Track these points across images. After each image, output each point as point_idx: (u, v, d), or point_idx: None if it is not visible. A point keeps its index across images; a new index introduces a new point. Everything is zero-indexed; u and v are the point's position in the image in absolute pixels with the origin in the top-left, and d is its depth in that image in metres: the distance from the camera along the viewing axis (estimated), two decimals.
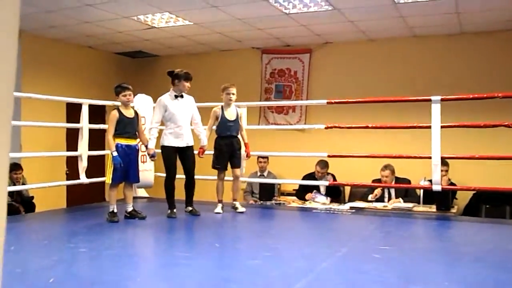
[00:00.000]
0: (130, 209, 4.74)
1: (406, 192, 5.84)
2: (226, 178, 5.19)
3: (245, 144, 5.27)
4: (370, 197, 5.80)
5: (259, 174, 7.01)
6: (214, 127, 5.10)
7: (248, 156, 5.31)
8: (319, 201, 5.89)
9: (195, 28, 7.04)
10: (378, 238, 4.04)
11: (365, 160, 6.40)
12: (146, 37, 7.63)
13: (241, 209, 5.14)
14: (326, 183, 5.93)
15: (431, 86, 6.75)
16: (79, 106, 5.50)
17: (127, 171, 4.62)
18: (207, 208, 5.13)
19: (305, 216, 5.31)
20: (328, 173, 6.39)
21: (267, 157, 6.91)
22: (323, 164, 6.29)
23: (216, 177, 5.19)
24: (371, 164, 6.34)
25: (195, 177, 5.01)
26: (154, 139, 4.82)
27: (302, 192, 6.32)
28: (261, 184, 6.70)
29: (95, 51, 8.45)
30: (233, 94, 5.06)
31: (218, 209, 5.06)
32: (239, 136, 5.20)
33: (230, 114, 5.09)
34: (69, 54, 7.97)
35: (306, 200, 6.07)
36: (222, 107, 5.11)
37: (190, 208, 4.96)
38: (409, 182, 5.93)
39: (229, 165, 5.13)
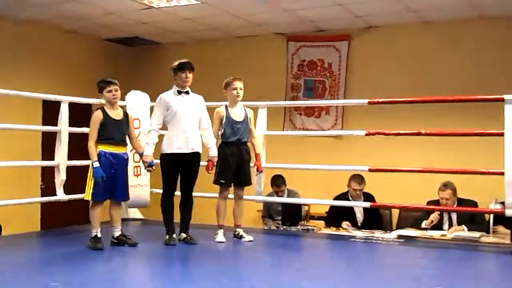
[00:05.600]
0: (117, 233, 4.74)
1: (472, 217, 5.70)
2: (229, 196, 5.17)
3: (256, 155, 5.25)
4: (424, 224, 5.70)
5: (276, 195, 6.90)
6: (220, 132, 5.09)
7: (258, 170, 5.28)
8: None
9: (203, 9, 7.06)
10: (433, 277, 3.93)
11: (416, 176, 6.30)
12: (144, 20, 7.69)
13: (248, 237, 5.09)
14: (366, 204, 5.83)
15: (509, 83, 6.62)
16: (58, 105, 5.54)
17: (113, 186, 4.61)
18: (203, 234, 5.09)
19: (340, 246, 5.23)
20: (363, 193, 6.29)
21: (283, 182, 6.76)
22: (360, 178, 6.19)
23: (216, 195, 5.15)
24: (424, 181, 6.23)
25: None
26: (153, 145, 4.83)
27: (333, 218, 6.23)
28: (283, 206, 6.62)
29: (79, 37, 8.54)
30: (240, 89, 5.05)
31: (220, 236, 5.02)
32: (249, 143, 5.18)
33: (236, 114, 5.08)
34: (46, 40, 8.07)
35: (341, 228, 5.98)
36: (226, 107, 5.11)
37: (184, 235, 4.93)
38: (475, 205, 5.80)
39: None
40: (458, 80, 7.12)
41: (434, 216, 5.67)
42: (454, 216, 5.77)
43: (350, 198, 6.23)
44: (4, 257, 4.44)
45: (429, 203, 5.88)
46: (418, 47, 7.52)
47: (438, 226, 5.71)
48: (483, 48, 7.19)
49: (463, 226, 5.59)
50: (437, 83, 7.18)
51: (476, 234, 5.32)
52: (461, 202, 5.82)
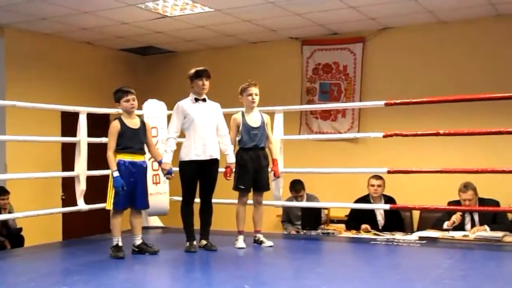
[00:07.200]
0: (138, 242, 4.75)
1: (494, 217, 5.63)
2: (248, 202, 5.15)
3: (273, 161, 5.24)
4: (446, 225, 5.65)
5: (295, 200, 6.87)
6: (237, 139, 5.09)
7: (276, 175, 5.27)
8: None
9: (217, 16, 7.08)
10: (456, 278, 3.89)
11: (436, 177, 6.25)
12: (158, 29, 7.73)
13: (268, 242, 5.08)
14: (385, 206, 5.79)
15: None
16: (76, 116, 5.58)
17: (132, 194, 4.63)
18: (223, 240, 5.08)
19: (361, 249, 5.20)
20: (384, 196, 6.25)
21: (303, 187, 6.74)
22: (378, 176, 6.15)
23: (235, 201, 5.14)
24: (444, 181, 6.17)
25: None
26: (171, 152, 4.84)
27: (354, 221, 6.19)
28: (303, 210, 6.60)
29: (95, 47, 8.61)
30: (255, 95, 5.05)
31: (240, 242, 5.01)
32: (267, 149, 5.18)
33: (253, 120, 5.08)
34: (63, 52, 8.16)
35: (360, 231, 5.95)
36: (242, 113, 5.11)
37: (204, 242, 4.93)
38: (497, 204, 5.74)
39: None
40: (475, 79, 7.05)
41: (456, 217, 5.62)
42: (476, 217, 5.71)
43: (372, 201, 6.20)
44: (26, 267, 4.49)
45: (449, 203, 5.83)
46: (434, 47, 7.46)
47: (460, 227, 5.65)
48: (501, 47, 7.12)
49: (485, 226, 5.52)
50: (454, 83, 7.12)
51: (499, 234, 5.26)
52: (482, 202, 5.76)
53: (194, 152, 4.80)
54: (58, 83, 8.01)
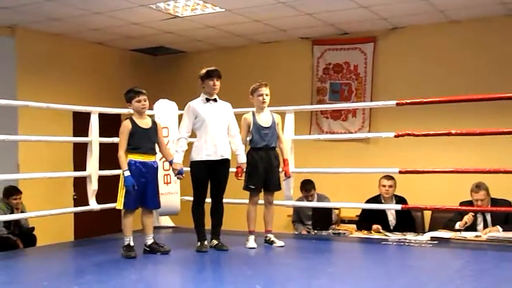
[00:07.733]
0: (150, 241, 4.76)
1: (506, 217, 5.59)
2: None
3: (284, 161, 5.24)
4: (458, 225, 5.62)
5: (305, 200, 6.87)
6: (248, 138, 5.09)
7: (286, 175, 5.27)
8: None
9: (227, 16, 7.09)
10: (467, 279, 3.88)
11: (448, 177, 6.22)
12: (169, 29, 7.75)
13: (279, 242, 5.08)
14: (397, 206, 5.77)
15: None
16: (88, 116, 5.61)
17: (143, 194, 4.65)
18: (234, 240, 5.09)
19: (372, 250, 5.18)
20: (395, 196, 6.23)
21: (313, 187, 6.74)
22: (389, 176, 6.13)
23: (246, 201, 5.14)
24: (456, 182, 6.14)
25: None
26: (182, 152, 4.85)
27: (365, 221, 6.18)
28: (314, 210, 6.60)
29: (106, 48, 8.65)
30: (266, 95, 5.05)
31: (251, 242, 5.01)
32: (277, 149, 5.17)
33: (263, 120, 5.08)
34: (74, 53, 8.20)
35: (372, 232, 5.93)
36: (253, 113, 5.12)
37: (215, 242, 4.93)
38: (509, 205, 5.71)
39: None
40: (487, 78, 7.01)
41: (468, 218, 5.58)
42: (488, 217, 5.68)
43: (383, 201, 6.18)
44: (39, 267, 4.51)
45: (461, 204, 5.79)
46: (445, 46, 7.43)
47: (472, 227, 5.62)
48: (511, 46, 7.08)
49: (498, 226, 5.49)
50: (465, 83, 7.08)
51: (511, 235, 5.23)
52: (494, 202, 5.72)
53: (205, 152, 4.81)
54: (69, 83, 8.06)
